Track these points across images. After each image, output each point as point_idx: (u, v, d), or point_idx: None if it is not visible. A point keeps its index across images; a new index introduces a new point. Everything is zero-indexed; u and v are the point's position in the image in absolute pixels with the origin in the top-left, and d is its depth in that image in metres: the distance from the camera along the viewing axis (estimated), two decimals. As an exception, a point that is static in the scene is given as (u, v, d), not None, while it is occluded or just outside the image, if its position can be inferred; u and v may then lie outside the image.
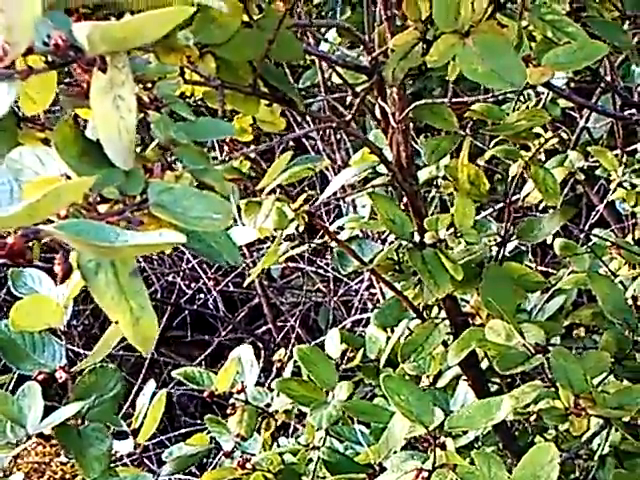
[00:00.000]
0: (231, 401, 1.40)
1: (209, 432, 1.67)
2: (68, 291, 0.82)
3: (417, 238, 1.27)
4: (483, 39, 0.91)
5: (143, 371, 2.90)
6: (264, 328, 3.15)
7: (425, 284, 1.26)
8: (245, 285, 2.13)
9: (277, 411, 1.39)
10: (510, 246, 1.51)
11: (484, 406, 1.08)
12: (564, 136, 2.04)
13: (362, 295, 2.84)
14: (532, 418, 1.21)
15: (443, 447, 1.04)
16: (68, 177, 0.75)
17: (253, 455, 1.56)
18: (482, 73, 0.89)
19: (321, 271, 3.06)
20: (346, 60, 1.17)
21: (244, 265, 3.11)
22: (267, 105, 1.04)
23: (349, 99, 1.45)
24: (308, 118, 2.01)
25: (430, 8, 0.93)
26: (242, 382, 1.37)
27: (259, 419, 1.39)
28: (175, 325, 3.27)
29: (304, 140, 2.61)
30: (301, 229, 1.50)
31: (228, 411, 1.39)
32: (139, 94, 0.79)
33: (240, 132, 1.22)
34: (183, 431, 2.48)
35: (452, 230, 1.25)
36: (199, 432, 1.72)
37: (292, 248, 1.49)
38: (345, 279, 2.98)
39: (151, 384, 1.36)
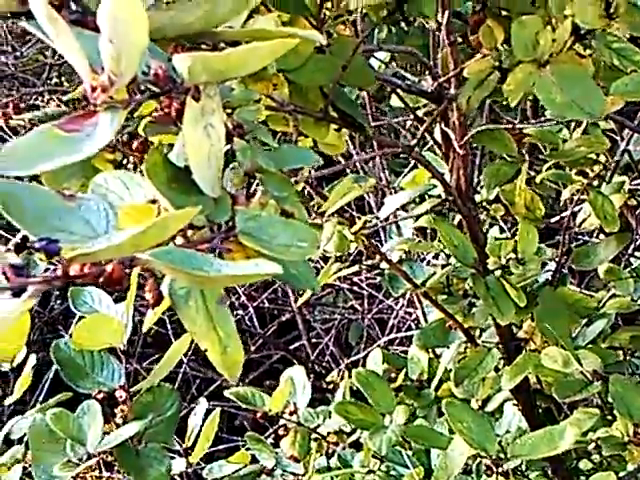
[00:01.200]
0: (281, 422, 1.40)
1: (248, 449, 1.67)
2: (151, 315, 0.81)
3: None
4: (562, 69, 0.90)
5: (175, 386, 2.90)
6: (297, 344, 3.14)
7: (489, 311, 1.25)
8: (298, 304, 2.12)
9: (329, 433, 1.38)
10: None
11: (547, 435, 1.07)
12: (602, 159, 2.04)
13: (397, 313, 2.83)
14: (591, 447, 1.21)
15: (506, 475, 1.03)
16: (153, 202, 0.75)
17: (293, 474, 1.56)
18: (561, 103, 0.89)
19: (355, 288, 3.05)
20: (409, 85, 1.17)
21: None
22: (336, 130, 1.04)
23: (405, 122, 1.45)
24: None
25: (507, 37, 0.93)
26: (294, 403, 1.37)
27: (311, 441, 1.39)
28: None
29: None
30: (351, 250, 1.50)
31: (280, 432, 1.39)
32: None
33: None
34: (222, 447, 2.47)
35: (513, 256, 1.24)
36: (240, 449, 1.73)
37: (344, 268, 1.49)
38: (380, 296, 2.98)
39: (203, 403, 1.36)
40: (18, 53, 3.10)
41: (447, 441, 1.16)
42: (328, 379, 1.52)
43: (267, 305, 3.17)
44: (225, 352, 0.70)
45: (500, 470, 1.04)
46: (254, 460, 1.65)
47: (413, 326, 2.70)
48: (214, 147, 0.72)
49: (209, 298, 0.70)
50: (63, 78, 3.32)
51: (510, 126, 1.24)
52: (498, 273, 1.23)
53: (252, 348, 3.21)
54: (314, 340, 3.14)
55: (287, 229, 0.73)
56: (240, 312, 3.04)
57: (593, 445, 1.20)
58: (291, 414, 1.36)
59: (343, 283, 3.09)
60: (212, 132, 0.71)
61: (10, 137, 1.69)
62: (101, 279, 0.62)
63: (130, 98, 0.63)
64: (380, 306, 3.00)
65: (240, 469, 1.53)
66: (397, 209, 1.65)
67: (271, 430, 2.24)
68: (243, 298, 3.07)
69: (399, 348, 2.78)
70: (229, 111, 0.86)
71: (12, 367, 1.21)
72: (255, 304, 3.03)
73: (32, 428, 1.14)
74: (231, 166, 0.80)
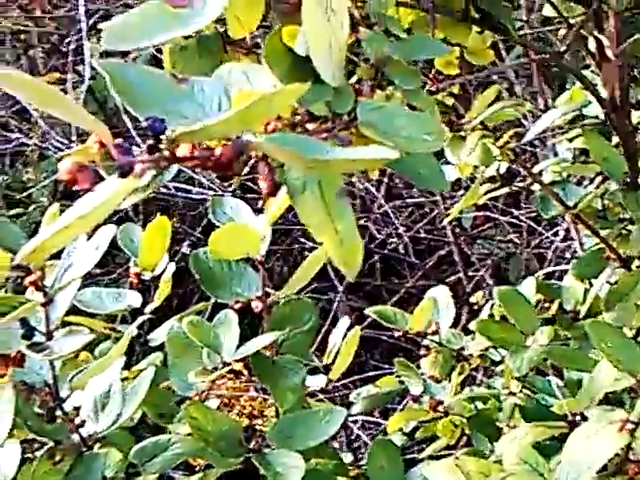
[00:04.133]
0: (424, 342, 1.37)
1: (397, 376, 1.65)
2: (268, 216, 0.79)
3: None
4: None
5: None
6: (454, 277, 3.10)
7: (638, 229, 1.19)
8: (445, 221, 2.08)
9: (471, 355, 1.35)
10: None
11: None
12: None
13: (557, 247, 2.75)
14: None
15: (652, 398, 0.98)
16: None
17: (441, 402, 1.53)
18: None
19: (514, 221, 2.98)
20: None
21: (435, 213, 3.08)
22: (478, 32, 0.99)
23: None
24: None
25: None
26: (437, 323, 1.33)
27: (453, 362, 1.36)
28: (363, 271, 3.26)
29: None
30: (502, 170, 1.45)
31: (421, 352, 1.36)
32: (350, 11, 0.76)
33: (445, 65, 1.18)
34: (371, 374, 2.47)
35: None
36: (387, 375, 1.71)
37: (492, 191, 1.44)
38: (539, 230, 2.90)
39: (345, 320, 1.35)
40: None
41: (593, 363, 1.11)
42: (472, 299, 1.48)
43: (424, 235, 3.14)
44: (342, 246, 0.67)
45: (646, 393, 0.98)
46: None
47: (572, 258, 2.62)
48: (336, 33, 0.69)
49: (327, 189, 0.67)
50: None
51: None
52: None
53: (410, 280, 3.19)
54: (471, 274, 3.09)
55: (412, 121, 0.70)
56: (395, 240, 3.02)
57: None
58: (433, 334, 1.33)
59: (502, 216, 3.03)
60: (333, 17, 0.68)
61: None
62: (210, 163, 0.61)
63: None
64: (539, 240, 2.93)
65: (377, 392, 1.51)
66: (550, 128, 1.59)
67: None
68: (401, 229, 3.04)
69: (558, 283, 2.71)
70: (360, 4, 0.82)
71: (153, 276, 1.22)
72: (410, 234, 3.00)
73: (170, 336, 1.15)
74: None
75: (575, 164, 1.52)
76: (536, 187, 1.50)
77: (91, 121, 0.57)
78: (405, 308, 3.08)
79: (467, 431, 1.46)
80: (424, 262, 3.23)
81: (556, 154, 1.75)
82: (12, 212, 3.47)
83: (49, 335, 0.82)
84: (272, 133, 0.65)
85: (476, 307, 1.47)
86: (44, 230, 0.58)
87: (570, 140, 1.59)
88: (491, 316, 1.32)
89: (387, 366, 2.57)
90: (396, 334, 1.33)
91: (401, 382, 1.66)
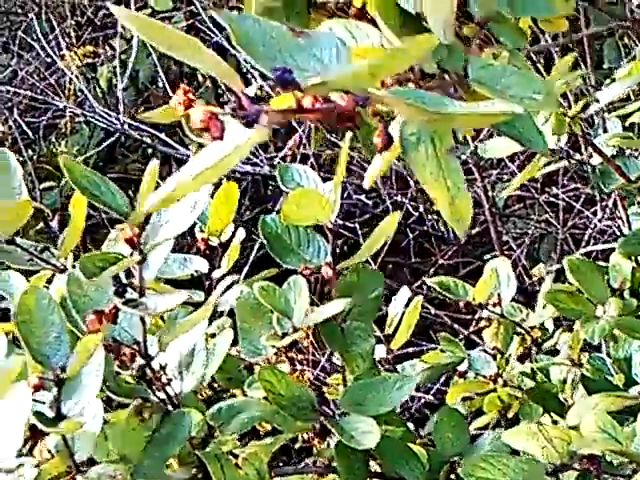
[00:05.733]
0: (484, 314, 1.37)
1: (442, 350, 1.65)
2: (380, 163, 0.77)
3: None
4: None
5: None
6: (489, 256, 3.09)
7: None
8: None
9: (533, 327, 1.34)
10: None
11: None
12: None
13: (595, 225, 2.74)
14: None
15: None
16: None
17: (485, 377, 1.52)
18: None
19: (552, 199, 2.97)
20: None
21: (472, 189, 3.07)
22: (563, -2, 0.98)
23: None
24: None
25: None
26: (498, 295, 1.33)
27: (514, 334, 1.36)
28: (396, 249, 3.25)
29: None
30: (562, 143, 1.44)
31: (482, 324, 1.36)
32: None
33: (550, 22, 1.16)
34: (411, 350, 2.46)
35: None
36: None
37: (553, 163, 1.43)
38: (577, 207, 2.89)
39: (405, 290, 1.35)
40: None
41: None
42: (534, 271, 1.47)
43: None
44: (453, 203, 0.67)
45: None
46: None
47: (611, 239, 2.61)
48: (448, -11, 0.68)
49: (439, 146, 0.67)
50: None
51: None
52: None
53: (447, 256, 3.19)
54: (506, 253, 3.08)
55: (522, 80, 0.69)
56: (432, 217, 3.01)
57: None
58: (494, 305, 1.33)
59: (539, 195, 3.01)
60: (446, -26, 0.68)
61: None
62: (333, 114, 0.60)
63: None
64: (577, 220, 2.92)
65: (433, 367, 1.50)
66: (610, 102, 1.58)
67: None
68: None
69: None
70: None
71: (220, 242, 1.21)
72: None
73: (239, 300, 1.14)
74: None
75: (633, 139, 1.51)
76: (593, 161, 1.49)
77: (223, 68, 0.56)
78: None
79: (514, 408, 1.46)
80: (457, 240, 3.22)
81: (605, 129, 1.75)
82: (44, 185, 3.48)
83: (142, 292, 0.82)
84: (389, 87, 0.64)
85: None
86: (170, 180, 0.58)
87: (626, 116, 1.58)
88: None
89: (424, 343, 2.57)
90: (461, 304, 1.32)
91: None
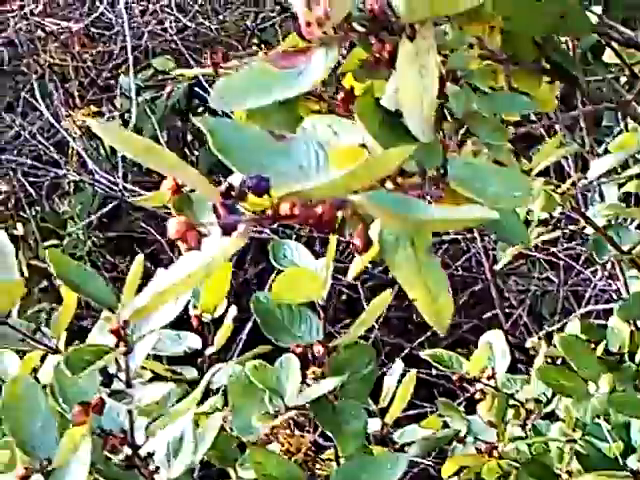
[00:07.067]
0: (478, 386, 1.37)
1: (440, 415, 1.64)
2: (356, 265, 0.79)
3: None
4: None
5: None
6: (489, 314, 3.09)
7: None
8: (497, 267, 2.07)
9: (527, 400, 1.34)
10: None
11: None
12: None
13: (595, 285, 2.74)
14: None
15: None
16: (362, 146, 0.73)
17: (485, 442, 1.52)
18: None
19: (552, 259, 2.97)
20: (625, 37, 1.11)
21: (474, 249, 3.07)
22: (548, 82, 0.99)
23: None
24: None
25: None
26: (492, 368, 1.33)
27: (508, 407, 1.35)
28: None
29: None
30: (556, 214, 1.45)
31: (477, 396, 1.36)
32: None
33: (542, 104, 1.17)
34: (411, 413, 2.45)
35: None
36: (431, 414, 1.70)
37: (545, 233, 1.44)
38: (577, 268, 2.89)
39: (399, 364, 1.35)
40: (221, 17, 3.15)
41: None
42: (528, 344, 1.48)
43: (460, 273, 3.13)
44: (435, 302, 0.67)
45: None
46: (445, 426, 1.63)
47: (612, 298, 2.61)
48: (427, 90, 0.69)
49: (419, 246, 0.67)
50: (263, 46, 3.36)
51: None
52: None
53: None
54: (507, 310, 3.08)
55: (500, 177, 0.70)
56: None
57: None
58: (489, 378, 1.33)
59: (539, 253, 3.02)
60: (425, 74, 0.69)
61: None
62: (311, 221, 0.61)
63: (345, 36, 0.61)
64: (577, 278, 2.92)
65: (432, 434, 1.50)
66: (603, 173, 1.59)
67: (462, 398, 2.21)
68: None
69: (596, 321, 2.69)
70: (442, 59, 0.83)
71: (213, 318, 1.22)
72: (448, 272, 3.00)
73: (231, 379, 1.15)
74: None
75: (628, 209, 1.52)
76: (587, 230, 1.50)
77: (194, 177, 0.57)
78: (436, 345, 3.07)
79: (513, 477, 1.45)
80: (457, 297, 3.22)
81: (602, 197, 1.76)
82: (47, 243, 3.49)
83: (129, 383, 0.83)
84: (367, 190, 0.65)
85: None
86: (147, 289, 0.58)
87: (621, 185, 1.59)
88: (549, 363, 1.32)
89: (423, 404, 2.56)
90: (454, 377, 1.32)
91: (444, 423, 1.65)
